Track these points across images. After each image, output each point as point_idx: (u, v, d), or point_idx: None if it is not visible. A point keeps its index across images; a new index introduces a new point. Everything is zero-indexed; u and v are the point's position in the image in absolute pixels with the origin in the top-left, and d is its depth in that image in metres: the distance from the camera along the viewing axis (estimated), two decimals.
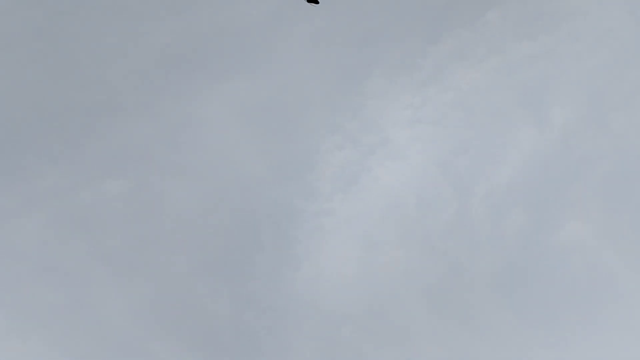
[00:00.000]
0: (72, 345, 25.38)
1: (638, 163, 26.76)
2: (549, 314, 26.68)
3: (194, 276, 27.53)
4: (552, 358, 25.83)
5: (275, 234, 27.83)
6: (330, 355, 27.77)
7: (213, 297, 27.72)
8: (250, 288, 27.88)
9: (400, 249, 28.28)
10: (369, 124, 28.09)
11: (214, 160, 27.72)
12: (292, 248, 27.84)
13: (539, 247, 27.59)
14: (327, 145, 28.04)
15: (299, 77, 27.71)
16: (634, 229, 26.60)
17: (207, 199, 27.70)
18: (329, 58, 27.67)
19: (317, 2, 19.61)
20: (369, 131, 28.10)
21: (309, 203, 27.90)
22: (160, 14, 26.61)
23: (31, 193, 26.89)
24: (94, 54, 26.59)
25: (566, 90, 27.82)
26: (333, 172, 28.08)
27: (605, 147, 27.22)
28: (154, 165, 27.63)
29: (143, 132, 27.41)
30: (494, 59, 28.02)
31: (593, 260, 26.64)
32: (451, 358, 27.24)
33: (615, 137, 26.99)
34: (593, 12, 27.65)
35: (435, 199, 28.31)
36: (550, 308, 26.87)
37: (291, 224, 27.99)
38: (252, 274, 27.90)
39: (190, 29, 26.95)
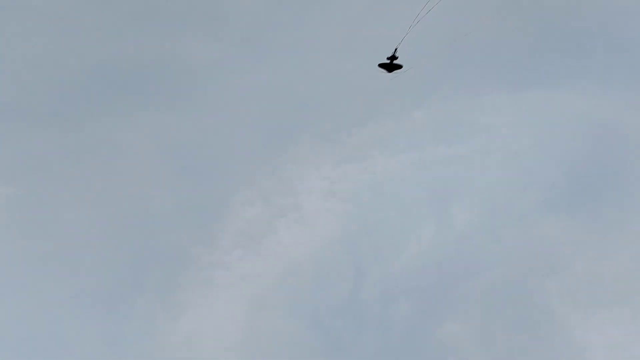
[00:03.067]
0: None
1: (522, 278, 28.45)
2: None
3: (67, 307, 25.08)
4: None
5: (161, 277, 26.21)
6: None
7: (81, 335, 25.32)
8: (125, 331, 25.80)
9: (288, 319, 27.62)
10: (284, 187, 27.82)
11: (121, 187, 25.98)
12: (175, 295, 26.29)
13: (418, 341, 28.10)
14: (239, 197, 27.32)
15: (228, 123, 27.13)
16: (508, 340, 27.90)
17: (105, 226, 25.73)
18: (261, 112, 27.43)
19: (400, 67, 18.58)
20: (283, 193, 27.80)
21: (205, 253, 26.74)
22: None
23: None
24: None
25: (469, 197, 29.36)
26: (238, 227, 27.27)
27: (493, 258, 28.76)
28: (51, 177, 25.39)
29: (52, 142, 25.25)
30: (412, 154, 29.14)
31: None
32: None
33: (505, 249, 28.65)
34: (505, 133, 29.84)
35: (332, 274, 28.24)
36: None
37: (181, 270, 26.56)
38: (130, 315, 25.89)
39: (129, 55, 25.72)
